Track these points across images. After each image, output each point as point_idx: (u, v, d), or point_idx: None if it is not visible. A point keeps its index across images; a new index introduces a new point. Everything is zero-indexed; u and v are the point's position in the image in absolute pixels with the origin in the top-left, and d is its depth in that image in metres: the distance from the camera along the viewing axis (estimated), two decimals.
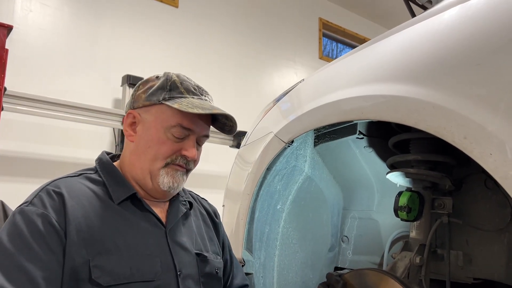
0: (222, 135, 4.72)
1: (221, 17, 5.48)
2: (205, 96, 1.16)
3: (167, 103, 1.09)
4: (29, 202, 0.97)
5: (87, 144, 4.09)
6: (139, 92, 1.15)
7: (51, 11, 4.13)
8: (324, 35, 6.98)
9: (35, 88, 3.73)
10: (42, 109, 3.63)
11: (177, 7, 5.07)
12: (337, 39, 7.40)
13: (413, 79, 1.01)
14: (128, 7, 4.64)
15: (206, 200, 1.42)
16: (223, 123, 1.20)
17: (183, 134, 1.10)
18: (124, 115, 1.17)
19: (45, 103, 3.64)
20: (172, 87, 1.11)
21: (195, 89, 1.14)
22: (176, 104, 1.08)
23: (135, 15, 4.69)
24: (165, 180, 1.09)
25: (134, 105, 1.15)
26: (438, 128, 0.92)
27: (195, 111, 1.06)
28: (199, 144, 1.17)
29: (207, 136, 1.18)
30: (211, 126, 1.21)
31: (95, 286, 0.92)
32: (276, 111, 1.63)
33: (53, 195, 0.98)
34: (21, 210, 0.95)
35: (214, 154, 4.79)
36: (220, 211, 1.84)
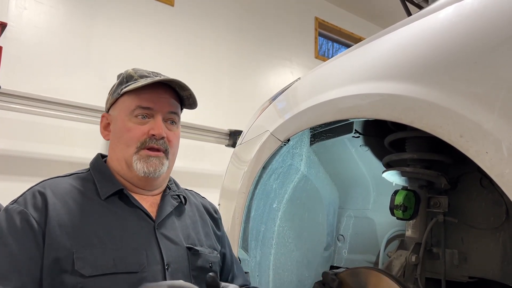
0: (218, 134, 4.72)
1: (217, 16, 5.48)
2: (161, 76, 1.18)
3: (124, 90, 1.14)
4: (15, 201, 1.02)
5: (82, 143, 4.08)
6: (107, 96, 1.23)
7: (46, 9, 4.11)
8: (320, 34, 6.99)
9: (29, 86, 3.72)
10: (37, 108, 3.63)
11: (172, 5, 5.06)
12: (333, 39, 7.41)
13: (409, 77, 1.01)
14: (123, 6, 4.63)
15: (205, 199, 1.42)
16: (187, 98, 1.23)
17: (144, 114, 1.13)
18: None
19: (39, 102, 3.63)
20: (128, 78, 1.17)
21: (149, 74, 1.19)
22: (130, 86, 1.13)
23: (131, 14, 4.67)
24: (138, 166, 1.11)
25: (105, 108, 1.24)
26: (434, 127, 0.92)
27: (139, 84, 1.11)
28: (170, 123, 1.19)
29: (174, 113, 1.19)
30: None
31: (78, 276, 0.94)
32: (272, 110, 1.63)
33: (36, 195, 1.02)
34: (5, 208, 1.01)
35: (210, 153, 4.79)
36: None
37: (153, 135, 1.12)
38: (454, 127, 0.88)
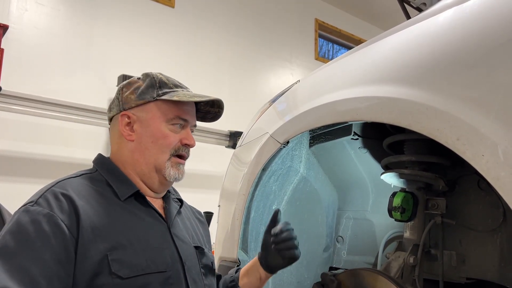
0: (218, 135, 4.73)
1: (217, 18, 5.48)
2: (188, 89, 1.24)
3: (164, 97, 1.15)
4: (34, 202, 0.97)
5: (82, 144, 4.09)
6: (127, 94, 1.19)
7: (47, 11, 4.12)
8: (320, 36, 7.00)
9: (30, 88, 3.73)
10: (38, 109, 3.63)
11: (173, 7, 5.07)
12: (333, 40, 7.42)
13: (407, 81, 1.03)
14: (124, 7, 4.64)
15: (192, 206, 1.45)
16: (206, 112, 1.28)
17: (181, 124, 1.18)
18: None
19: (40, 103, 3.64)
20: (161, 84, 1.18)
21: (180, 84, 1.23)
22: (175, 96, 1.15)
23: (131, 15, 4.68)
24: (171, 172, 1.15)
25: (125, 106, 1.18)
26: (431, 130, 0.93)
27: (193, 99, 1.15)
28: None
29: (195, 126, 1.26)
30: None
31: (116, 278, 0.95)
32: (272, 112, 1.64)
33: (60, 197, 0.98)
34: (26, 209, 0.96)
35: (210, 155, 4.79)
36: (215, 211, 1.85)
37: (187, 144, 1.18)
38: (451, 130, 0.89)
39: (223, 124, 4.77)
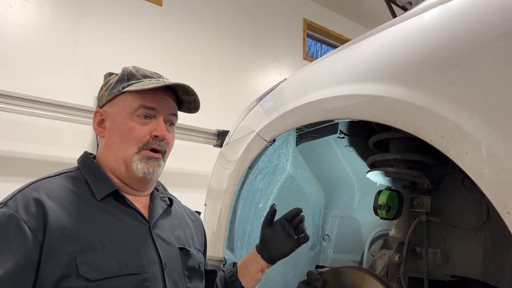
0: (206, 134, 4.71)
1: (205, 16, 5.46)
2: (163, 78, 1.19)
3: (127, 89, 1.12)
4: (4, 204, 0.97)
5: (69, 143, 4.04)
6: (102, 92, 1.19)
7: (32, 7, 4.07)
8: (309, 35, 7.02)
9: (15, 86, 3.67)
10: (23, 107, 3.59)
11: (161, 5, 5.04)
12: (321, 40, 7.45)
13: (392, 79, 1.03)
14: (110, 4, 4.59)
15: (185, 206, 1.43)
16: (187, 102, 1.22)
17: (147, 114, 1.12)
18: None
19: (26, 101, 3.59)
20: (129, 76, 1.15)
21: (151, 74, 1.18)
22: (132, 87, 1.11)
23: (118, 13, 4.64)
24: (139, 166, 1.10)
25: (99, 104, 1.19)
26: (416, 128, 0.93)
27: (150, 86, 1.09)
28: (169, 125, 1.18)
29: (174, 115, 1.19)
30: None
31: (83, 281, 0.93)
32: (259, 110, 1.64)
33: (29, 199, 0.97)
34: None
35: (199, 154, 4.78)
36: (202, 210, 1.84)
37: (156, 136, 1.11)
38: (436, 128, 0.89)
39: (211, 123, 4.77)
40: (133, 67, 1.18)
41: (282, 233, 1.32)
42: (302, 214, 1.34)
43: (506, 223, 0.76)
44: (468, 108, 0.84)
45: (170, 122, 1.18)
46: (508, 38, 0.83)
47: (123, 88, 1.13)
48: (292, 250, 1.33)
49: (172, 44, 5.04)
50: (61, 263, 0.92)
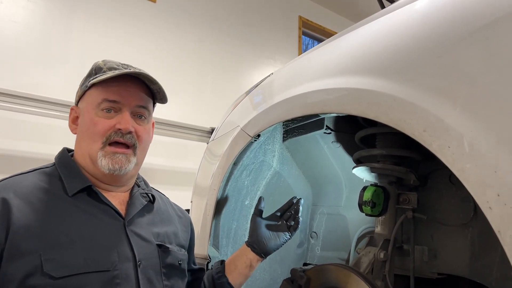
0: (200, 131, 4.68)
1: (200, 14, 5.43)
2: (132, 69, 1.15)
3: (90, 83, 1.10)
4: None
5: (60, 140, 3.97)
6: (78, 88, 1.19)
7: (24, 3, 4.03)
8: (304, 33, 7.00)
9: (7, 82, 3.65)
10: (15, 104, 3.57)
11: (155, 2, 5.01)
12: (316, 38, 7.43)
13: (375, 71, 1.00)
14: (103, 0, 4.56)
15: (173, 202, 1.40)
16: (157, 92, 1.19)
17: (111, 107, 1.09)
18: None
19: (18, 98, 3.57)
20: (96, 70, 1.13)
21: (118, 66, 1.15)
22: (94, 80, 1.09)
23: (111, 9, 4.61)
24: (103, 162, 1.08)
25: (75, 102, 1.19)
26: (398, 121, 0.91)
27: (105, 76, 1.07)
28: (139, 117, 1.15)
29: (143, 107, 1.15)
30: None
31: (48, 278, 0.91)
32: (246, 104, 1.62)
33: None
34: None
35: (192, 151, 4.75)
36: (189, 207, 1.81)
37: (120, 129, 1.08)
38: (418, 122, 0.87)
39: (205, 121, 4.75)
40: (103, 60, 1.16)
41: (273, 221, 1.37)
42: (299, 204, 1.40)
43: (488, 219, 0.74)
44: (450, 101, 0.82)
45: (140, 114, 1.15)
46: (491, 29, 0.80)
47: (89, 82, 1.11)
48: (284, 238, 1.36)
49: (165, 41, 5.00)
50: (26, 261, 0.91)
